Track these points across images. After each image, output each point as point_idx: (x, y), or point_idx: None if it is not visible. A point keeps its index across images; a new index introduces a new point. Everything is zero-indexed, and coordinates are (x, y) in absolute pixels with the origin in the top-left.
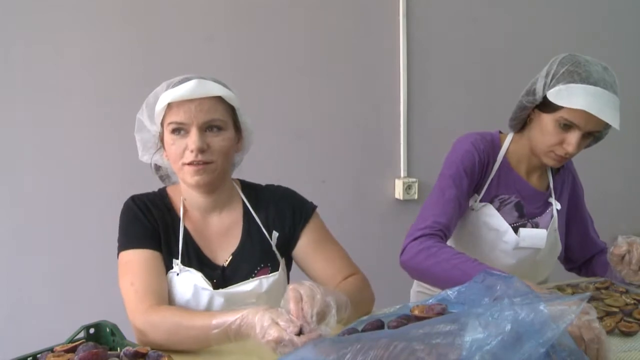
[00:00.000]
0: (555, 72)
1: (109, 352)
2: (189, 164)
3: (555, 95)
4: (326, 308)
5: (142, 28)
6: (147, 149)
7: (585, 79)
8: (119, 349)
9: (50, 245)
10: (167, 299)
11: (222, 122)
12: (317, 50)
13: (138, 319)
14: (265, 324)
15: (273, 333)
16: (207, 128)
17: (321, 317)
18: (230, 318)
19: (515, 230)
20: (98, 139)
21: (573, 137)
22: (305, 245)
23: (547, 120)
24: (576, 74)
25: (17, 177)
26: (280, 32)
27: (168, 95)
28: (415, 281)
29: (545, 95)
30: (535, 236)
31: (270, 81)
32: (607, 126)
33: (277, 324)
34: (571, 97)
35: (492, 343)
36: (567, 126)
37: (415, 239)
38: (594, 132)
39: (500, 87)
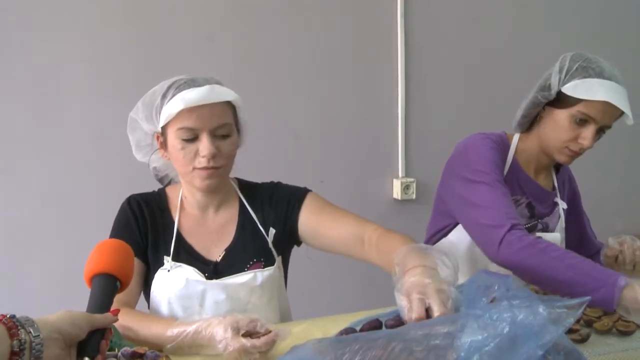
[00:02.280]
0: (568, 68)
1: (106, 353)
2: (201, 168)
3: (573, 89)
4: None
5: (142, 28)
6: (140, 147)
7: (600, 74)
8: (116, 349)
9: (49, 245)
10: (133, 305)
11: (230, 127)
12: (314, 50)
13: None
14: (227, 335)
15: (235, 344)
16: (216, 133)
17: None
18: (184, 330)
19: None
20: (99, 139)
21: (589, 132)
22: (307, 218)
23: (561, 116)
24: (590, 69)
25: (15, 177)
26: (279, 32)
27: (179, 100)
28: None
29: (560, 91)
30: (550, 239)
31: (268, 81)
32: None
33: (237, 333)
34: (590, 90)
35: (490, 345)
36: (582, 121)
37: (510, 229)
38: (605, 127)
39: (499, 87)
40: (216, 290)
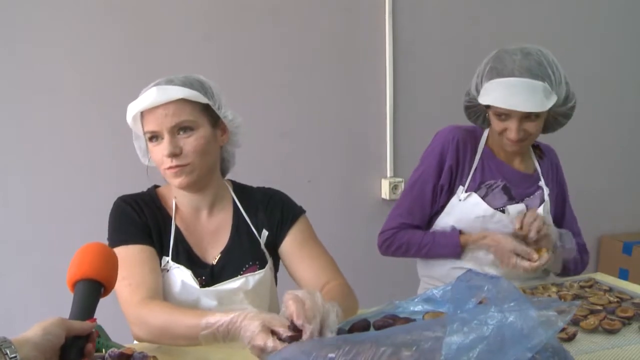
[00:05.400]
0: (481, 71)
1: (94, 354)
2: (168, 168)
3: (482, 94)
4: (326, 313)
5: (136, 28)
6: (144, 153)
7: (500, 73)
8: (104, 350)
9: (40, 245)
10: (161, 293)
11: (191, 122)
12: (303, 49)
13: (130, 312)
14: (255, 330)
15: (259, 340)
16: (178, 130)
17: (323, 321)
18: (219, 319)
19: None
20: (94, 139)
21: (511, 124)
22: (290, 244)
23: (490, 114)
24: (495, 69)
25: (9, 176)
26: (266, 31)
27: (133, 107)
28: (421, 280)
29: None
30: (521, 211)
31: (255, 80)
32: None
33: (266, 330)
34: (488, 94)
35: (478, 347)
36: (504, 116)
37: (385, 240)
38: (531, 113)
39: None
40: (209, 297)
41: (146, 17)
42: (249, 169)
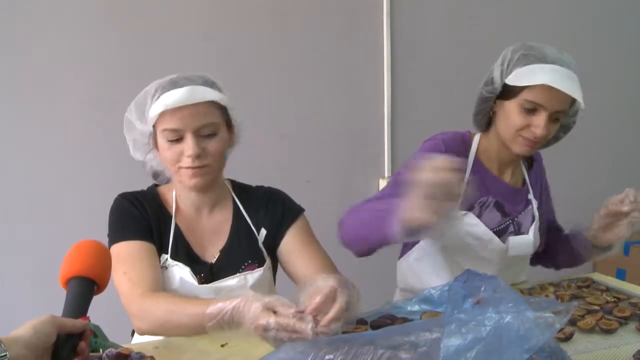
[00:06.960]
0: (510, 58)
1: (91, 354)
2: (187, 167)
3: (515, 78)
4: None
5: (138, 27)
6: (137, 147)
7: (542, 59)
8: (101, 350)
9: (40, 245)
10: (162, 286)
11: (216, 126)
12: (301, 50)
13: (132, 305)
14: (256, 310)
15: (261, 319)
16: (200, 133)
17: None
18: (223, 308)
19: (499, 234)
20: (94, 139)
21: (540, 119)
22: (289, 244)
23: (510, 107)
24: (532, 55)
25: (9, 176)
26: (265, 32)
27: (161, 102)
28: (397, 281)
29: (505, 83)
30: (522, 243)
31: (253, 80)
32: (571, 108)
33: (267, 310)
34: (532, 75)
35: (476, 348)
36: (532, 110)
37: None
38: (560, 112)
39: None
40: (207, 294)
41: (146, 17)
42: (247, 169)
